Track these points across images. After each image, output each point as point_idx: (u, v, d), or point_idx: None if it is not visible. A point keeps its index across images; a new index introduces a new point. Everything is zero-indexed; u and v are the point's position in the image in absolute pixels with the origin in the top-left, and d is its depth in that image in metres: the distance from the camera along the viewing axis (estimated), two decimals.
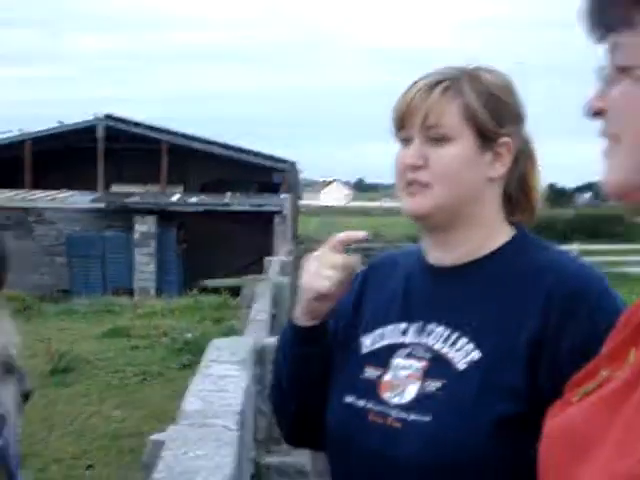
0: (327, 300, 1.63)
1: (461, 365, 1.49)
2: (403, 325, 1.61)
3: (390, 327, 1.62)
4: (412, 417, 1.49)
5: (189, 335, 14.47)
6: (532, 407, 1.42)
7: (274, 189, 30.52)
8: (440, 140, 1.55)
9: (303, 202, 47.64)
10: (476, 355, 1.49)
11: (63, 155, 30.82)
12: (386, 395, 1.54)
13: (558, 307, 1.49)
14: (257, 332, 5.81)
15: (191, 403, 2.55)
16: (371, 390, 1.57)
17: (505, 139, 1.58)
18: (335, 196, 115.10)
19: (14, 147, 30.59)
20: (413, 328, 1.59)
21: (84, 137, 30.28)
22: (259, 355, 3.82)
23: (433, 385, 1.50)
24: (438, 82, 1.57)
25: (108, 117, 30.91)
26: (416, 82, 1.60)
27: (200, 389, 2.72)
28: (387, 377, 1.56)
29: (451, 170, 1.55)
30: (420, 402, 1.50)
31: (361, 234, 1.67)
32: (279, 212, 27.23)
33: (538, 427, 1.41)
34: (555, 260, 1.58)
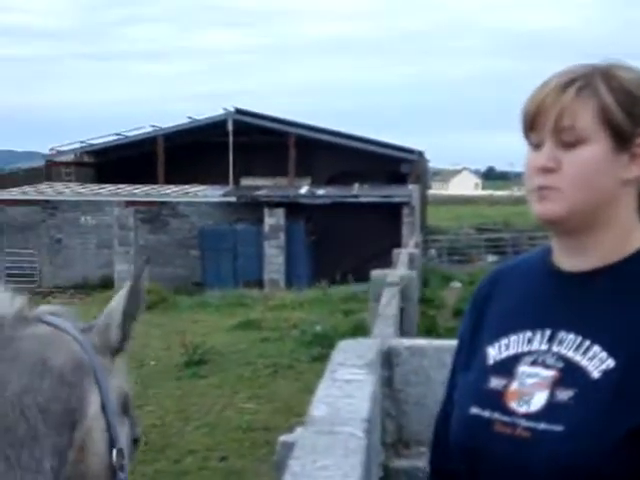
0: None
1: (595, 374, 1.43)
2: (529, 333, 1.55)
3: (515, 336, 1.57)
4: (542, 426, 1.43)
5: (319, 328, 14.58)
6: None
7: (402, 179, 30.40)
8: (573, 143, 1.47)
9: (432, 192, 47.28)
10: (611, 363, 1.42)
11: (194, 149, 31.60)
12: (513, 405, 1.49)
13: None
14: (385, 329, 5.78)
15: (318, 409, 2.54)
16: (497, 400, 1.52)
17: None
18: (465, 185, 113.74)
19: (147, 143, 31.59)
20: (540, 336, 1.53)
21: (214, 132, 30.96)
22: (386, 357, 3.78)
23: (565, 394, 1.44)
24: (571, 81, 1.49)
25: (238, 111, 31.49)
26: (547, 81, 1.52)
27: (327, 394, 2.71)
28: (513, 386, 1.51)
29: (585, 174, 1.47)
30: (551, 411, 1.44)
31: None
32: (407, 203, 27.11)
33: None
34: None
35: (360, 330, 11.67)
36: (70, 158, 33.18)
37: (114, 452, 1.60)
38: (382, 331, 5.66)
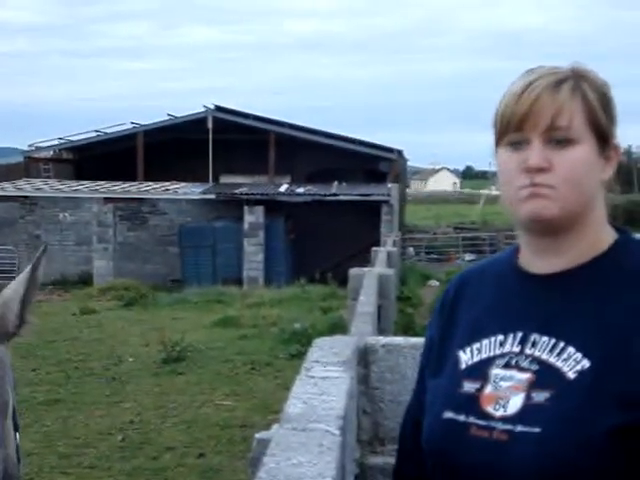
0: None
1: (571, 375, 1.44)
2: (500, 336, 1.55)
3: (487, 340, 1.57)
4: (519, 428, 1.44)
5: (297, 325, 14.62)
6: None
7: (381, 178, 30.48)
8: (564, 143, 1.48)
9: (410, 191, 47.39)
10: (586, 364, 1.43)
11: (173, 147, 31.53)
12: (489, 408, 1.50)
13: None
14: (362, 327, 5.82)
15: (294, 406, 2.57)
16: (471, 404, 1.52)
17: (615, 142, 1.53)
18: (443, 184, 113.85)
19: (127, 139, 31.46)
20: (512, 339, 1.54)
21: (194, 129, 30.87)
22: (363, 354, 3.82)
23: (541, 395, 1.44)
24: (561, 81, 1.49)
25: (218, 109, 31.44)
26: (532, 82, 1.50)
27: (303, 391, 2.74)
28: (488, 390, 1.51)
29: (578, 174, 1.47)
30: (527, 413, 1.45)
31: None
32: (386, 201, 27.18)
33: None
34: None
35: (338, 328, 11.72)
36: (49, 154, 33.01)
37: (17, 436, 1.70)
38: (359, 329, 5.70)
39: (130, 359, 13.51)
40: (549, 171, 1.47)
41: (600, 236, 1.55)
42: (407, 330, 12.58)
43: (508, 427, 1.45)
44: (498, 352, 1.54)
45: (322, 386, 2.78)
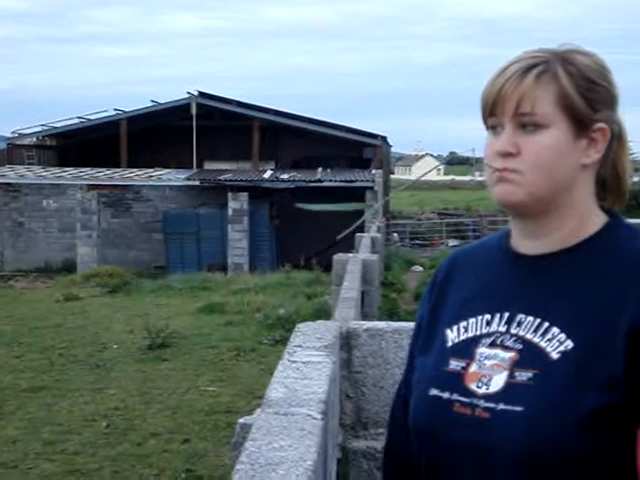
0: None
1: (554, 355, 1.44)
2: (487, 316, 1.57)
3: (474, 319, 1.59)
4: (501, 407, 1.46)
5: (282, 311, 14.65)
6: (629, 399, 1.39)
7: (365, 164, 30.49)
8: (533, 127, 1.48)
9: (394, 177, 47.41)
10: (569, 344, 1.44)
11: (157, 133, 31.42)
12: (472, 386, 1.52)
13: None
14: (346, 312, 5.83)
15: (275, 390, 2.57)
16: (456, 382, 1.54)
17: (600, 125, 1.52)
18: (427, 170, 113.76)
19: (110, 126, 31.34)
20: (498, 318, 1.55)
21: (177, 115, 30.80)
22: (345, 339, 3.83)
23: (524, 375, 1.46)
24: (530, 67, 1.49)
25: (202, 95, 31.34)
26: (506, 67, 1.52)
27: (285, 376, 2.74)
28: (473, 368, 1.53)
29: (545, 159, 1.48)
30: (510, 392, 1.46)
31: None
32: (370, 187, 27.19)
33: (634, 420, 1.39)
34: None
35: (323, 313, 11.78)
36: (32, 141, 32.83)
37: None
38: (343, 314, 5.71)
39: (114, 346, 13.52)
40: (517, 156, 1.49)
41: (588, 219, 1.56)
42: (391, 315, 12.65)
43: (490, 405, 1.47)
44: (485, 331, 1.56)
45: (304, 371, 2.78)
